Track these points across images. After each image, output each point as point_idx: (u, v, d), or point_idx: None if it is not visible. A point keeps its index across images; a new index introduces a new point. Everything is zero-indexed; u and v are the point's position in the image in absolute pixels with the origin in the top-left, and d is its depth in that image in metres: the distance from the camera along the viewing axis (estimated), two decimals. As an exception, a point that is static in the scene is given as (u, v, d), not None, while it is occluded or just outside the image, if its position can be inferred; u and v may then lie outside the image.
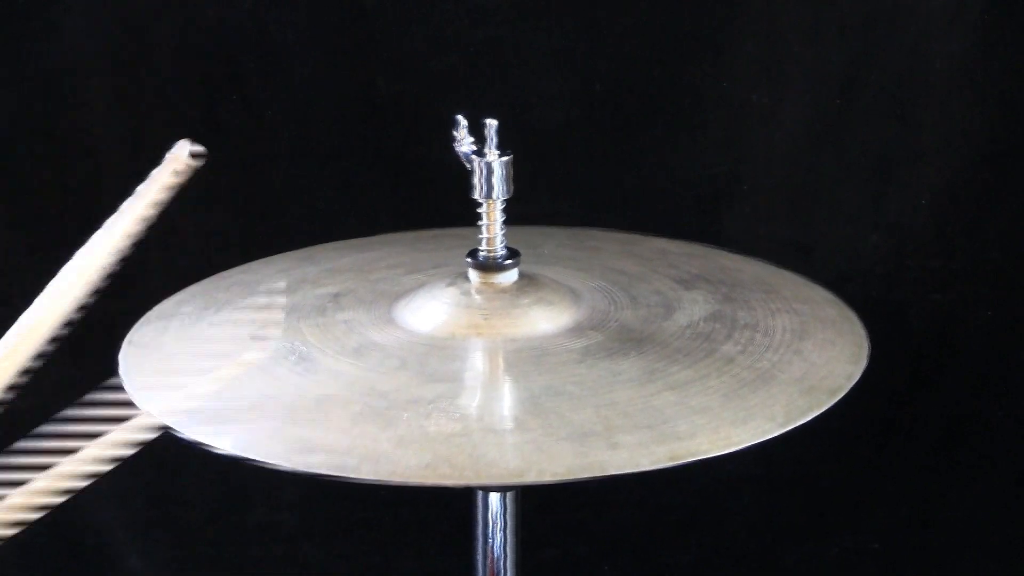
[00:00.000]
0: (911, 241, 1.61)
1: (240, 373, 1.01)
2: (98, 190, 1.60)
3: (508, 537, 1.18)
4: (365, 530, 1.73)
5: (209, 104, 1.59)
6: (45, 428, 1.00)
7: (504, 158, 1.09)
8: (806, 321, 1.10)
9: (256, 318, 1.13)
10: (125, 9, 1.56)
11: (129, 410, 0.98)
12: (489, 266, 1.10)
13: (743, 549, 1.74)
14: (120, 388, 1.01)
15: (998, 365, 1.65)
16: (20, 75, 1.56)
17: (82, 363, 1.64)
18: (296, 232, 1.58)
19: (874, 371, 1.05)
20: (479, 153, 1.09)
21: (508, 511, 1.17)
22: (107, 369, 1.08)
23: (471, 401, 0.98)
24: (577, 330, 1.06)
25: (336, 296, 1.15)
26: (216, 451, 0.94)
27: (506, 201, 1.10)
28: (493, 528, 1.18)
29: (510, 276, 1.10)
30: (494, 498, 1.17)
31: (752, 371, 1.01)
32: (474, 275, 1.10)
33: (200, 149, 1.08)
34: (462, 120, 1.10)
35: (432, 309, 1.08)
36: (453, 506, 1.28)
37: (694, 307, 1.11)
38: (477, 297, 1.09)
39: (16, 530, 0.95)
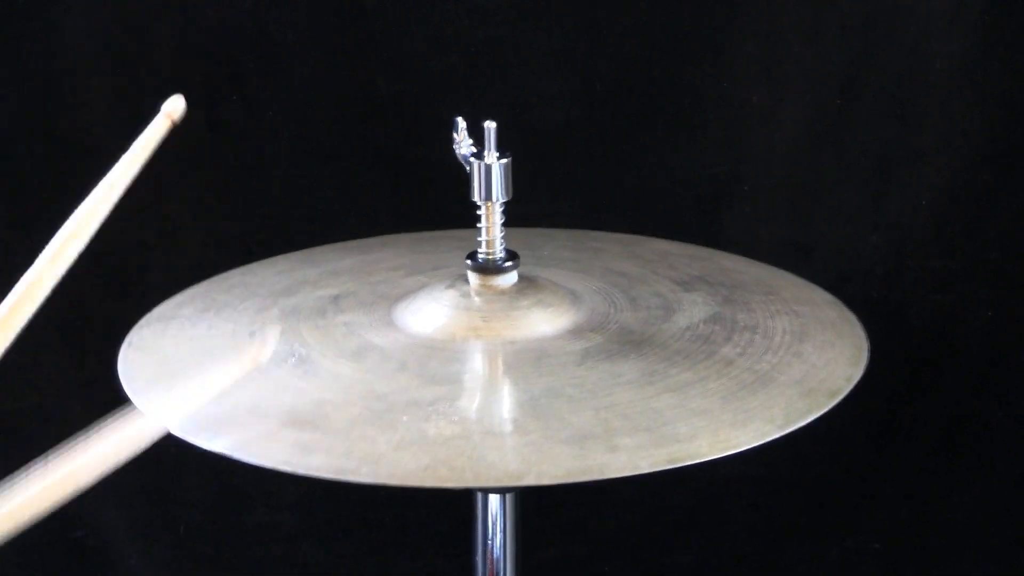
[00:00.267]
0: (911, 241, 1.61)
1: (241, 375, 1.01)
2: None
3: (508, 538, 1.18)
4: (365, 530, 1.73)
5: (209, 104, 1.59)
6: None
7: (503, 160, 1.09)
8: (806, 323, 1.10)
9: (256, 319, 1.13)
10: (125, 9, 1.56)
11: (131, 416, 0.98)
12: (488, 268, 1.10)
13: (743, 549, 1.74)
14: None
15: (998, 365, 1.65)
16: (20, 75, 1.56)
17: (82, 363, 1.65)
18: (296, 232, 1.58)
19: (874, 372, 1.05)
20: (478, 155, 1.09)
21: (508, 512, 1.17)
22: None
23: (470, 403, 0.98)
24: (577, 332, 1.07)
25: (336, 298, 1.15)
26: (216, 454, 0.94)
27: (506, 202, 1.10)
28: (493, 529, 1.18)
29: (509, 278, 1.10)
30: (494, 499, 1.17)
31: (752, 373, 1.01)
32: (473, 277, 1.10)
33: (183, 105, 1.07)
34: (461, 122, 1.10)
35: (432, 311, 1.08)
36: (453, 507, 1.28)
37: (694, 309, 1.11)
38: (476, 299, 1.09)
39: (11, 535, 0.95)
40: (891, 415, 1.67)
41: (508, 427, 0.94)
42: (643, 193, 1.62)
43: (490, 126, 1.08)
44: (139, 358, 1.09)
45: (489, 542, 1.18)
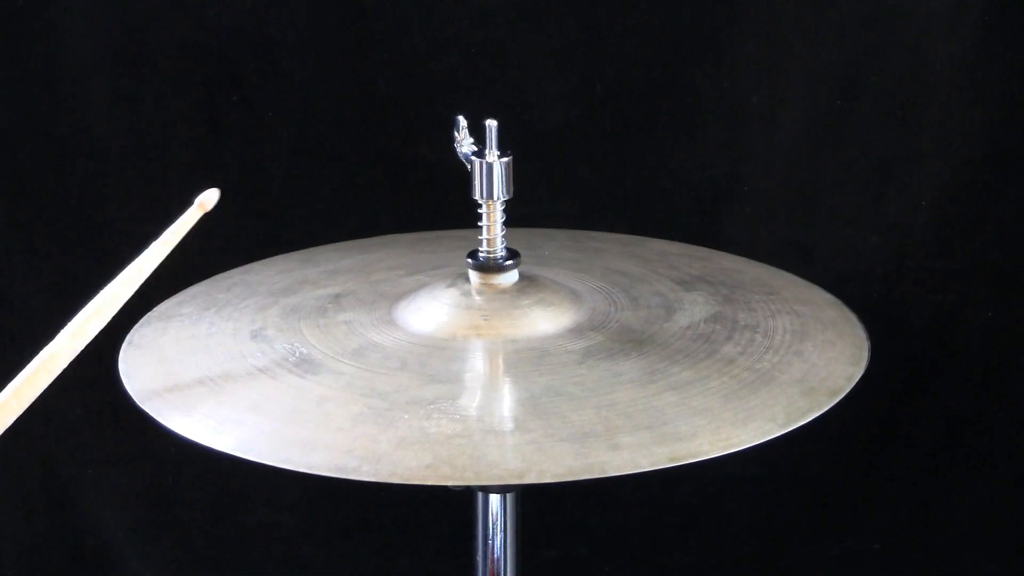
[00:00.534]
0: (911, 241, 1.61)
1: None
2: (98, 190, 1.60)
3: (508, 538, 1.18)
4: (365, 530, 1.73)
5: (209, 104, 1.59)
6: None
7: (504, 159, 1.09)
8: (806, 322, 1.10)
9: (256, 318, 1.13)
10: (125, 9, 1.56)
11: None
12: (489, 267, 1.10)
13: (743, 549, 1.74)
14: None
15: (998, 365, 1.65)
16: (20, 75, 1.56)
17: (82, 362, 1.65)
18: (296, 232, 1.58)
19: (874, 372, 1.05)
20: (479, 154, 1.09)
21: (508, 512, 1.17)
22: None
23: (471, 402, 0.98)
24: (577, 331, 1.07)
25: (337, 297, 1.15)
26: (217, 451, 0.94)
27: (506, 202, 1.10)
28: (493, 529, 1.18)
29: (510, 277, 1.10)
30: (494, 499, 1.17)
31: (752, 372, 1.01)
32: (474, 276, 1.10)
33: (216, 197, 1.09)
34: (462, 121, 1.10)
35: (432, 310, 1.08)
36: (453, 507, 1.28)
37: (695, 308, 1.11)
38: (477, 298, 1.09)
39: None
40: (891, 415, 1.67)
41: (509, 425, 0.94)
42: (643, 193, 1.62)
43: (491, 125, 1.08)
44: (140, 357, 1.09)
45: (489, 542, 1.18)
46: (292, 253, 1.32)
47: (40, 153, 1.60)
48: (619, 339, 1.05)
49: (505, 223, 1.11)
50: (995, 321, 1.63)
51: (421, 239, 1.35)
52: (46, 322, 1.03)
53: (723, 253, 1.29)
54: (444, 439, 0.92)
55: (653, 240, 1.32)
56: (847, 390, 1.00)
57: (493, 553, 1.18)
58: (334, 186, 1.62)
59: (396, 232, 1.40)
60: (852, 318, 1.13)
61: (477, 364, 1.04)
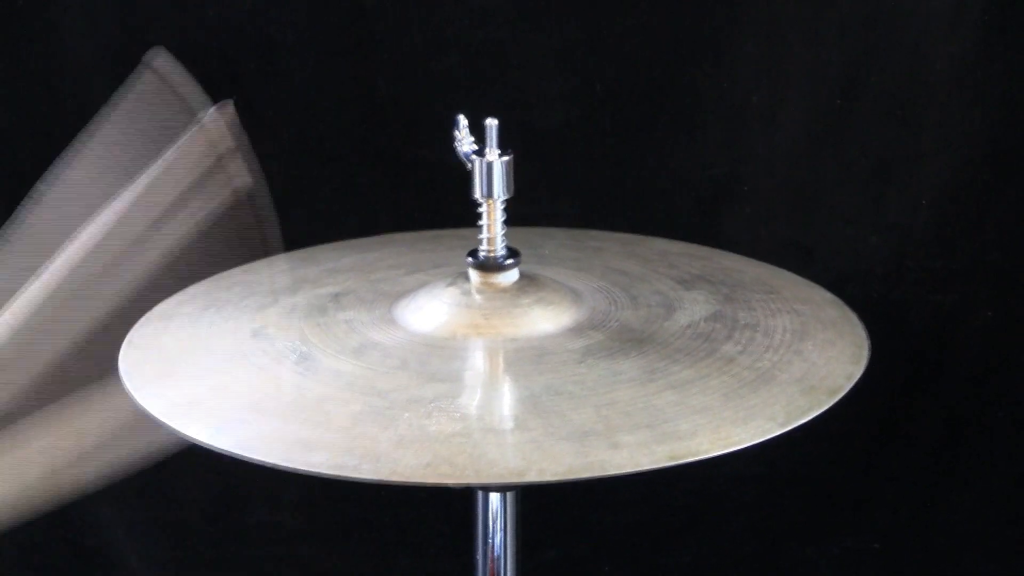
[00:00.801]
0: (911, 241, 1.61)
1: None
2: (98, 190, 1.60)
3: (508, 537, 1.18)
4: (365, 530, 1.73)
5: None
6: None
7: (505, 158, 1.09)
8: (806, 321, 1.10)
9: (256, 317, 1.13)
10: (125, 9, 1.56)
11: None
12: (489, 266, 1.10)
13: (743, 549, 1.74)
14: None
15: (998, 365, 1.65)
16: (20, 75, 1.56)
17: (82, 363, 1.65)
18: (296, 232, 1.58)
19: (874, 371, 1.05)
20: (480, 153, 1.09)
21: (508, 511, 1.17)
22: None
23: (471, 401, 0.98)
24: (577, 330, 1.07)
25: (337, 296, 1.15)
26: (217, 451, 0.94)
27: (506, 201, 1.10)
28: (493, 528, 1.17)
29: (510, 276, 1.10)
30: (494, 498, 1.17)
31: (752, 371, 1.01)
32: (474, 275, 1.10)
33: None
34: (463, 120, 1.10)
35: (433, 309, 1.08)
36: (453, 506, 1.28)
37: (695, 307, 1.11)
38: (477, 297, 1.09)
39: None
40: (891, 415, 1.67)
41: (509, 424, 0.94)
42: (643, 193, 1.62)
43: (491, 123, 1.08)
44: (140, 356, 1.09)
45: (489, 541, 1.18)
46: (292, 252, 1.32)
47: (40, 153, 1.60)
48: (619, 338, 1.05)
49: (505, 222, 1.11)
50: (995, 321, 1.63)
51: (421, 238, 1.35)
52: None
53: (723, 252, 1.29)
54: (444, 438, 0.92)
55: (653, 239, 1.32)
56: (847, 389, 1.00)
57: (493, 552, 1.18)
58: (334, 186, 1.62)
59: (396, 232, 1.40)
60: (852, 317, 1.13)
61: (477, 363, 1.04)
